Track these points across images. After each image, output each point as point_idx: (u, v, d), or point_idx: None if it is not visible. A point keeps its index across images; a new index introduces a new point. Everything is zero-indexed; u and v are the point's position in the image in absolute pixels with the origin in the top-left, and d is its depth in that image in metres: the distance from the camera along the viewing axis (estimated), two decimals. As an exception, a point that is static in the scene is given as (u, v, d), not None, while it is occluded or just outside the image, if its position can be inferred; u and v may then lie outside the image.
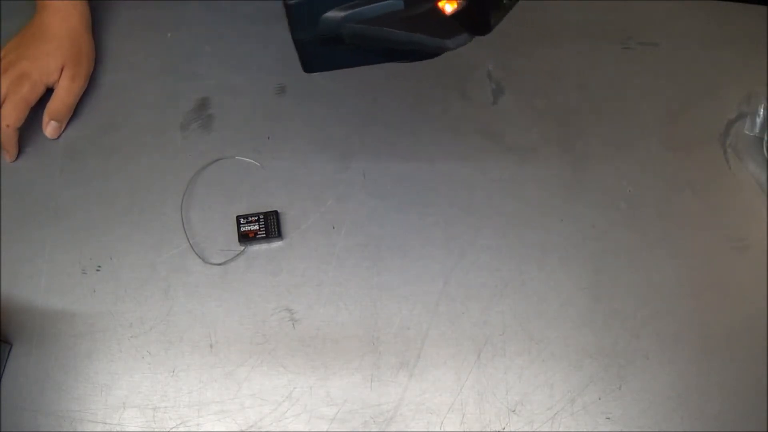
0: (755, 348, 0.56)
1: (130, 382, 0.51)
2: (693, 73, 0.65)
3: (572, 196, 0.59)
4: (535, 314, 0.55)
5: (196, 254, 0.54)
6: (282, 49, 0.62)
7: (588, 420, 0.53)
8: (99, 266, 0.54)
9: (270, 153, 0.58)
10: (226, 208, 0.56)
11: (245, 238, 0.54)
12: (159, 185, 0.56)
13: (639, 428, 0.53)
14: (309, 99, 0.60)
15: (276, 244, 0.56)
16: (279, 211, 0.56)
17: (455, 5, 0.37)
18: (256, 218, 0.55)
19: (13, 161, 0.56)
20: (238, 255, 0.55)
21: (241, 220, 0.55)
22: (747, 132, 0.63)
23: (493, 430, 0.52)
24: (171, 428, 0.50)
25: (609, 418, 0.53)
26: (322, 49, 0.39)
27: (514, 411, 0.52)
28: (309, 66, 0.41)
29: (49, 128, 0.56)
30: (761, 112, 0.64)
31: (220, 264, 0.55)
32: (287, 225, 0.56)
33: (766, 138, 0.63)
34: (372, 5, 0.37)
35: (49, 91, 0.56)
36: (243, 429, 0.50)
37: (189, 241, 0.55)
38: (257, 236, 0.54)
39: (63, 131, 0.57)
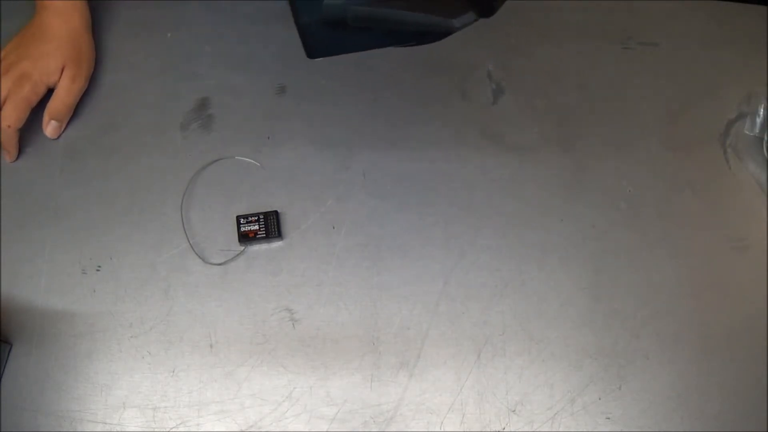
0: (755, 348, 0.56)
1: (130, 382, 0.51)
2: (693, 73, 0.65)
3: (572, 196, 0.59)
4: (535, 314, 0.55)
5: (196, 254, 0.54)
6: (282, 49, 0.62)
7: (588, 420, 0.53)
8: (99, 266, 0.54)
9: (270, 153, 0.58)
10: (226, 208, 0.56)
11: (245, 238, 0.54)
12: (159, 185, 0.56)
13: (639, 428, 0.53)
14: (309, 99, 0.60)
15: (276, 244, 0.56)
16: (279, 211, 0.56)
17: None
18: (256, 218, 0.55)
19: (14, 161, 0.56)
20: (238, 255, 0.55)
21: (241, 220, 0.55)
22: (747, 132, 0.63)
23: (493, 430, 0.52)
24: (171, 428, 0.50)
25: (609, 418, 0.53)
26: (326, 34, 0.39)
27: (514, 411, 0.52)
28: (313, 51, 0.41)
29: (50, 128, 0.56)
30: (761, 112, 0.64)
31: (220, 264, 0.55)
32: (287, 225, 0.56)
33: (766, 138, 0.63)
34: None
35: (49, 92, 0.56)
36: (243, 429, 0.50)
37: (189, 241, 0.55)
38: (257, 236, 0.54)
39: (63, 131, 0.57)
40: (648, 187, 0.60)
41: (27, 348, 0.51)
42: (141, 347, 0.52)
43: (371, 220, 0.57)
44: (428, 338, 0.54)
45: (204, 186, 0.57)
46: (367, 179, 0.58)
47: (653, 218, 0.59)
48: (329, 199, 0.57)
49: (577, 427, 0.52)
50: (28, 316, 0.52)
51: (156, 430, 0.50)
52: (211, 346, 0.52)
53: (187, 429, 0.50)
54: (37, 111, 0.55)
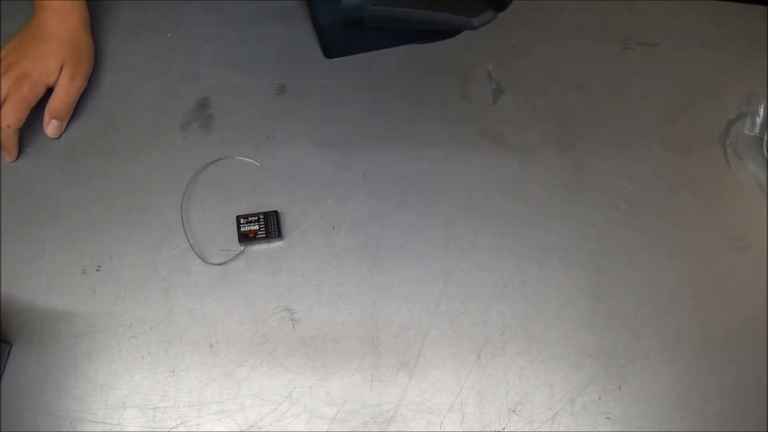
0: (755, 348, 0.56)
1: (130, 382, 0.51)
2: (693, 73, 0.65)
3: (572, 196, 0.59)
4: (535, 314, 0.55)
5: (196, 254, 0.54)
6: (282, 49, 0.62)
7: (588, 420, 0.53)
8: (99, 266, 0.54)
9: (270, 153, 0.58)
10: (226, 208, 0.56)
11: (245, 238, 0.54)
12: (159, 185, 0.56)
13: (639, 428, 0.53)
14: (309, 99, 0.60)
15: (276, 244, 0.56)
16: (279, 211, 0.56)
17: None
18: (256, 218, 0.55)
19: (13, 161, 0.56)
20: (238, 255, 0.55)
21: (241, 220, 0.55)
22: (747, 132, 0.63)
23: (493, 430, 0.52)
24: (171, 428, 0.50)
25: (609, 418, 0.53)
26: (343, 34, 0.39)
27: (514, 411, 0.52)
28: (330, 51, 0.41)
29: (51, 127, 0.56)
30: (761, 112, 0.64)
31: (220, 264, 0.55)
32: (287, 225, 0.56)
33: (766, 138, 0.63)
34: None
35: (49, 92, 0.56)
36: (243, 429, 0.50)
37: (189, 241, 0.55)
38: (257, 236, 0.54)
39: (64, 131, 0.57)
40: (648, 187, 0.60)
41: (27, 348, 0.51)
42: (141, 347, 0.52)
43: (371, 220, 0.57)
44: (428, 338, 0.54)
45: (204, 186, 0.57)
46: (367, 179, 0.58)
47: (653, 218, 0.59)
48: (329, 199, 0.57)
49: (577, 427, 0.52)
50: (28, 316, 0.52)
51: (156, 430, 0.50)
52: (211, 346, 0.52)
53: (187, 429, 0.50)
54: (36, 111, 0.55)
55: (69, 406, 0.50)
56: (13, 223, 0.54)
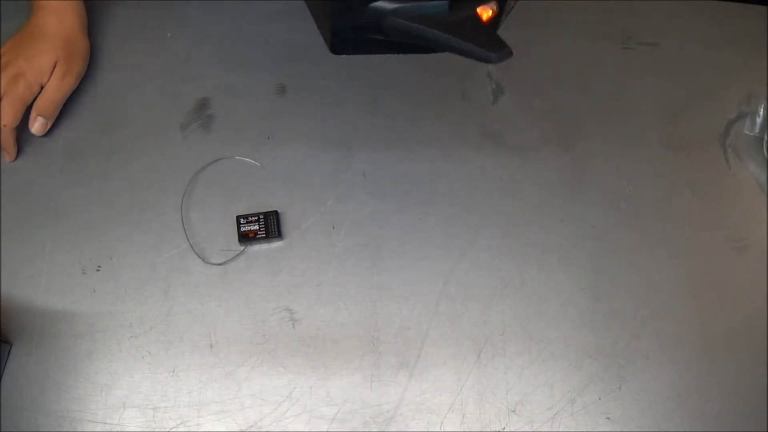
0: (755, 348, 0.56)
1: (130, 382, 0.51)
2: (693, 73, 0.65)
3: (572, 196, 0.59)
4: (535, 314, 0.55)
5: (196, 254, 0.54)
6: (282, 49, 0.62)
7: (588, 420, 0.53)
8: (99, 266, 0.54)
9: (270, 153, 0.58)
10: (226, 208, 0.56)
11: (245, 238, 0.54)
12: (159, 185, 0.56)
13: (639, 428, 0.53)
14: (309, 99, 0.60)
15: (276, 244, 0.56)
16: (279, 211, 0.56)
17: (490, 13, 0.37)
18: (256, 218, 0.55)
19: (13, 161, 0.56)
20: (238, 255, 0.55)
21: (241, 220, 0.55)
22: (747, 132, 0.63)
23: (493, 430, 0.52)
24: (171, 428, 0.50)
25: (609, 418, 0.53)
26: (355, 35, 0.39)
27: (514, 411, 0.52)
28: (337, 48, 0.41)
29: (36, 124, 0.55)
30: (761, 112, 0.64)
31: (220, 264, 0.55)
32: (287, 225, 0.56)
33: (766, 138, 0.63)
34: (421, 2, 0.36)
35: (47, 91, 0.56)
36: (243, 429, 0.50)
37: (189, 241, 0.55)
38: (257, 236, 0.54)
39: (51, 128, 0.56)
40: (648, 187, 0.60)
41: (27, 348, 0.51)
42: (141, 347, 0.52)
43: (371, 220, 0.57)
44: (428, 338, 0.54)
45: (204, 186, 0.57)
46: (367, 179, 0.58)
47: (653, 218, 0.59)
48: (329, 199, 0.57)
49: (577, 427, 0.52)
50: (28, 316, 0.52)
51: (156, 430, 0.50)
52: (211, 346, 0.52)
53: (187, 429, 0.50)
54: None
55: (69, 406, 0.50)
56: (13, 223, 0.54)
